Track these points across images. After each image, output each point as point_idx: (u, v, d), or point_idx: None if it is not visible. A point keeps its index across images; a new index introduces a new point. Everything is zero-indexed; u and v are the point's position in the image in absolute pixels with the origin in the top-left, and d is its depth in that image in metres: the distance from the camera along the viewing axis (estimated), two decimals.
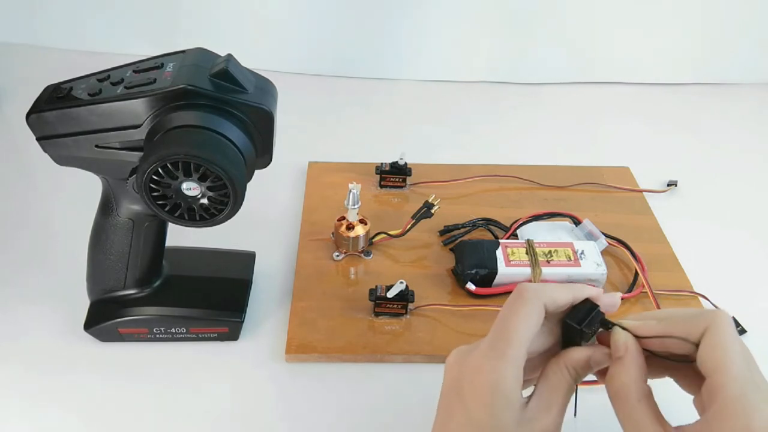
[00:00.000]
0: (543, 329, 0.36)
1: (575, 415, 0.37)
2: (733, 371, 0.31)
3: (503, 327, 0.35)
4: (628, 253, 0.61)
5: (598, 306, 0.36)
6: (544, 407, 0.35)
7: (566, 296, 0.36)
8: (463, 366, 0.36)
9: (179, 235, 0.53)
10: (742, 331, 0.56)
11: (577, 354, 0.36)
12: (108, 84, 0.43)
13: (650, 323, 0.35)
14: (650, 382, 0.35)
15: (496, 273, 0.57)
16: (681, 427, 0.33)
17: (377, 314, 0.55)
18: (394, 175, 0.70)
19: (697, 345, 0.33)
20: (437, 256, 0.62)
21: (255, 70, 0.46)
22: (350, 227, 0.60)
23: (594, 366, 0.36)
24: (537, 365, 0.37)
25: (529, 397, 0.35)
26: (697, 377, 0.34)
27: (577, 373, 0.36)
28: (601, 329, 0.36)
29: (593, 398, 0.38)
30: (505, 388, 0.34)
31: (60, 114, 0.42)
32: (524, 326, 0.35)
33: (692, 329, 0.33)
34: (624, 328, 0.35)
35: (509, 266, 0.57)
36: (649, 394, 0.34)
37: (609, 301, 0.36)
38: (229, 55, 0.44)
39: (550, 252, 0.58)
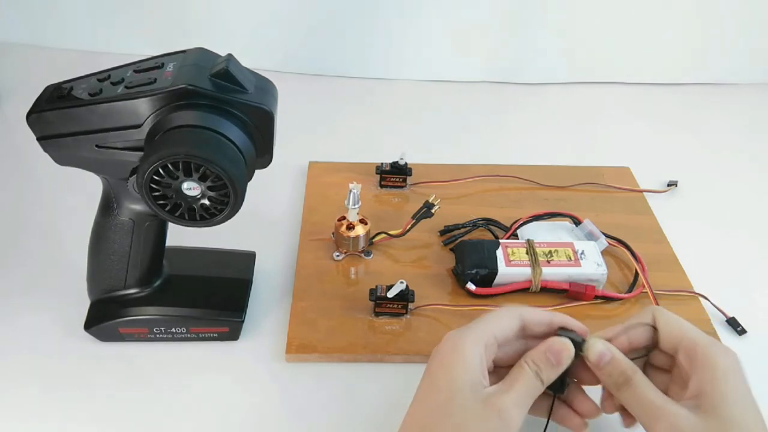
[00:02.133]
0: (520, 341, 0.41)
1: None
2: (696, 332, 0.39)
3: (479, 318, 0.41)
4: (628, 253, 0.61)
5: (573, 332, 0.41)
6: (502, 389, 0.38)
7: (544, 315, 0.41)
8: (439, 343, 0.41)
9: (179, 235, 0.53)
10: (743, 331, 0.56)
11: (536, 348, 0.40)
12: (108, 84, 0.43)
13: (612, 329, 0.41)
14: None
15: (496, 273, 0.57)
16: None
17: (377, 314, 0.55)
18: (394, 175, 0.70)
19: (655, 329, 0.40)
20: (437, 256, 0.62)
21: (255, 70, 0.46)
22: (350, 227, 0.60)
23: (553, 358, 0.39)
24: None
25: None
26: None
27: (537, 366, 0.39)
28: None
29: None
30: (464, 347, 0.38)
31: (60, 114, 0.42)
32: (496, 316, 0.41)
33: (644, 318, 0.41)
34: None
35: (509, 266, 0.57)
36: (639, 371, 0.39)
37: (579, 329, 0.41)
38: (230, 55, 0.44)
39: (550, 252, 0.58)
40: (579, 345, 0.40)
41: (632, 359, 0.39)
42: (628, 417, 0.41)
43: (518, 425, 0.36)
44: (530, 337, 0.42)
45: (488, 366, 0.40)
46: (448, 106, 0.90)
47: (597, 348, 0.39)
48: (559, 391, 0.41)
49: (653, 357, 0.42)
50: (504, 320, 0.41)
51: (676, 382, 0.40)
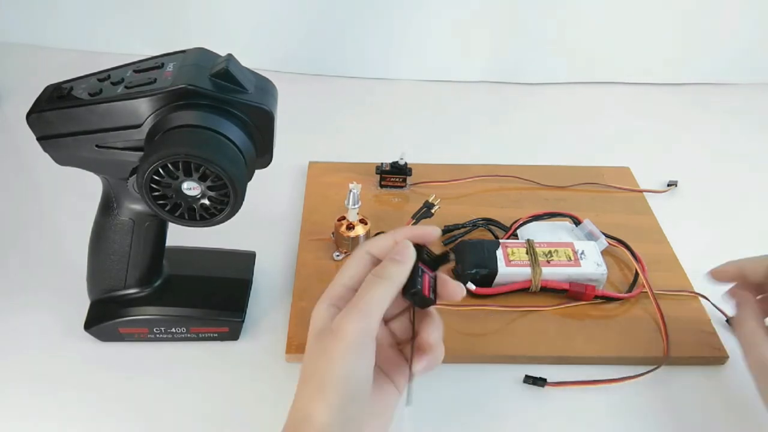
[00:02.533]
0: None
1: (407, 404, 0.39)
2: None
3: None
4: (628, 253, 0.61)
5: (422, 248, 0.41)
6: (341, 313, 0.37)
7: (387, 239, 0.41)
8: None
9: (179, 235, 0.53)
10: None
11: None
12: (108, 84, 0.43)
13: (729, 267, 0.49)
14: None
15: (496, 273, 0.57)
16: None
17: None
18: (394, 175, 0.70)
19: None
20: None
21: (255, 70, 0.46)
22: (350, 227, 0.60)
23: (396, 256, 0.39)
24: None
25: None
26: None
27: (380, 270, 0.38)
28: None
29: None
30: (314, 312, 0.39)
31: (60, 114, 0.42)
32: (345, 267, 0.41)
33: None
34: None
35: (509, 266, 0.57)
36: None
37: (428, 235, 0.41)
38: (230, 55, 0.44)
39: (550, 252, 0.58)
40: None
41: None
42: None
43: (354, 329, 0.36)
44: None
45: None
46: (448, 106, 0.90)
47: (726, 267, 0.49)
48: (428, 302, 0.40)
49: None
50: (353, 265, 0.40)
51: None
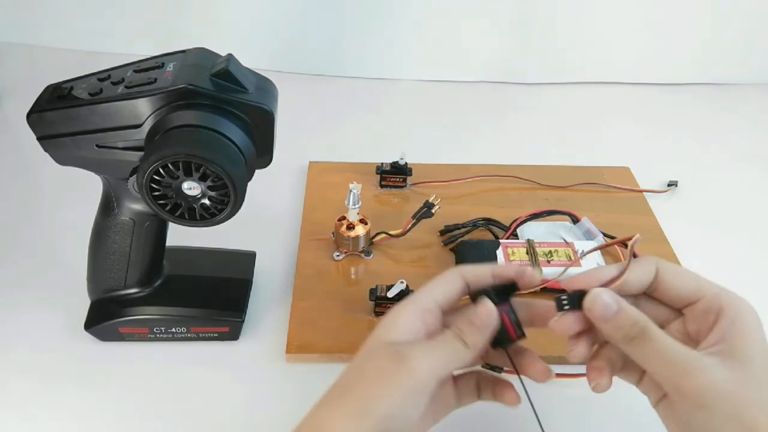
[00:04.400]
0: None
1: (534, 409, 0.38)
2: (705, 281, 0.36)
3: (424, 285, 0.39)
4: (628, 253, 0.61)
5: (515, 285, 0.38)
6: (418, 344, 0.36)
7: (484, 270, 0.39)
8: None
9: (180, 235, 0.53)
10: None
11: (461, 313, 0.38)
12: (109, 84, 0.43)
13: (608, 270, 0.37)
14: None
15: None
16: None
17: (378, 314, 0.55)
18: (394, 175, 0.70)
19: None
20: (438, 256, 0.62)
21: (255, 70, 0.46)
22: (351, 227, 0.60)
23: (475, 320, 0.36)
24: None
25: None
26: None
27: (460, 329, 0.36)
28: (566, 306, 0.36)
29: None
30: (398, 316, 0.37)
31: (61, 114, 0.42)
32: (436, 283, 0.39)
33: (646, 267, 0.37)
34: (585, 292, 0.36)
35: None
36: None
37: (528, 281, 0.38)
38: (230, 55, 0.44)
39: (550, 252, 0.58)
40: (576, 298, 0.35)
41: None
42: (600, 377, 0.36)
43: (424, 377, 0.34)
44: None
45: (431, 329, 0.38)
46: (448, 106, 0.90)
47: (602, 299, 0.34)
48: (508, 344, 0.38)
49: (646, 310, 0.36)
50: (446, 284, 0.39)
51: (674, 335, 0.35)
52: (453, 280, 0.39)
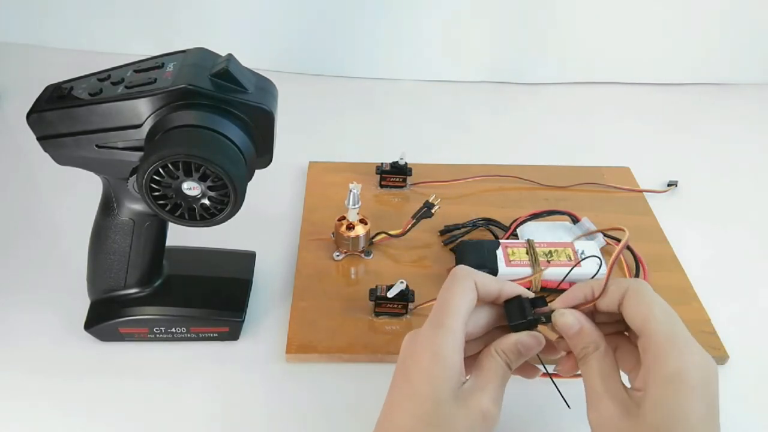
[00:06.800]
0: (480, 313, 0.40)
1: (569, 407, 0.41)
2: (659, 319, 0.36)
3: (441, 303, 0.39)
4: (628, 253, 0.61)
5: (529, 299, 0.40)
6: (479, 387, 0.37)
7: (493, 284, 0.40)
8: (410, 343, 0.39)
9: (180, 235, 0.53)
10: None
11: (506, 339, 0.39)
12: (108, 84, 0.43)
13: (581, 288, 0.40)
14: None
15: (496, 273, 0.56)
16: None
17: (377, 314, 0.55)
18: (394, 175, 0.70)
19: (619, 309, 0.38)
20: (437, 255, 0.62)
21: (255, 70, 0.46)
22: (350, 227, 0.60)
23: (523, 351, 0.39)
24: (476, 354, 0.40)
25: (467, 380, 0.38)
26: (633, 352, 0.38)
27: (508, 357, 0.39)
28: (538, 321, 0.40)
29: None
30: (444, 355, 0.36)
31: (61, 114, 0.42)
32: (460, 299, 0.38)
33: (617, 289, 0.38)
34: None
35: (510, 266, 0.57)
36: (609, 351, 0.38)
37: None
38: (230, 55, 0.44)
39: (550, 252, 0.58)
40: (541, 318, 0.40)
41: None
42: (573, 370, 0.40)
43: (499, 417, 0.37)
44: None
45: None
46: (448, 106, 0.90)
47: (565, 319, 0.38)
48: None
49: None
50: (467, 299, 0.39)
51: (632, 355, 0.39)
52: (468, 287, 0.39)
